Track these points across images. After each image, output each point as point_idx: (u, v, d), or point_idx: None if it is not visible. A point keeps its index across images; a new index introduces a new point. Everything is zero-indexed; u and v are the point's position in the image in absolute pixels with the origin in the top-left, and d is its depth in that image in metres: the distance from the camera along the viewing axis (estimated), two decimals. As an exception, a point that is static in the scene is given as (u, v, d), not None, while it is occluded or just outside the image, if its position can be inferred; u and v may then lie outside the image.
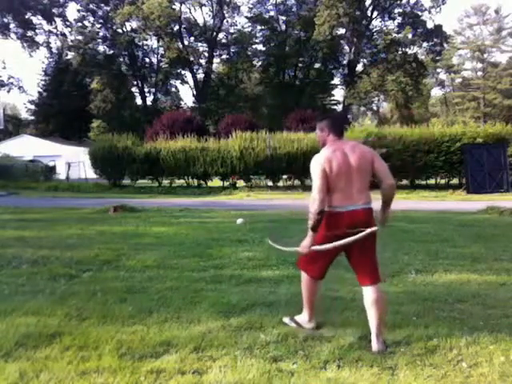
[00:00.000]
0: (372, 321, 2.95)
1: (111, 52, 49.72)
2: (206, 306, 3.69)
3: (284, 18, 49.84)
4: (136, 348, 2.90)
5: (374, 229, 2.90)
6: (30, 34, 44.96)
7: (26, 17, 43.90)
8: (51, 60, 51.15)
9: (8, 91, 46.12)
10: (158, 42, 49.11)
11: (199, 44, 50.85)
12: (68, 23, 46.98)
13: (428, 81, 60.45)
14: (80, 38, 47.55)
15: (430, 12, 44.58)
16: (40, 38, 46.71)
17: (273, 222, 9.05)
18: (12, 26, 44.07)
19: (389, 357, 2.80)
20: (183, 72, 51.84)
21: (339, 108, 51.45)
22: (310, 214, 2.91)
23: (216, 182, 22.34)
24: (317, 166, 2.96)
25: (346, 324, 3.28)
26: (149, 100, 52.53)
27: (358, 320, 3.33)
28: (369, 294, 2.98)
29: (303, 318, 3.28)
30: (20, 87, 46.56)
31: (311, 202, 2.91)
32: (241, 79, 51.37)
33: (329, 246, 2.94)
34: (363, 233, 2.86)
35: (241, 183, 21.77)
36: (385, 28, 47.04)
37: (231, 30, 50.59)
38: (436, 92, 68.99)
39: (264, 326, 3.26)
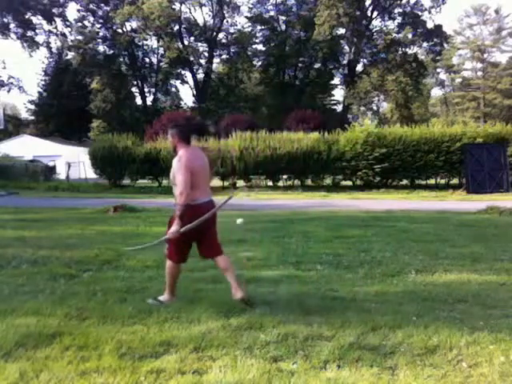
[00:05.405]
0: (231, 279, 3.74)
1: (111, 52, 49.64)
2: (206, 305, 3.69)
3: (284, 17, 49.81)
4: (136, 348, 2.89)
5: (214, 210, 3.73)
6: (30, 33, 44.83)
7: (26, 17, 43.79)
8: (51, 60, 51.23)
9: (8, 91, 46.05)
10: (158, 42, 49.04)
11: (199, 44, 50.82)
12: (68, 23, 46.89)
13: (428, 81, 60.44)
14: (80, 37, 47.44)
15: (430, 12, 44.63)
16: (40, 38, 46.68)
17: (273, 222, 9.04)
18: (12, 25, 43.98)
19: (389, 357, 2.80)
20: (183, 72, 51.85)
21: (339, 108, 51.48)
22: (179, 206, 3.56)
23: (216, 182, 22.31)
24: (183, 165, 3.57)
25: (346, 324, 3.27)
26: (149, 100, 52.57)
27: (358, 320, 3.33)
28: (220, 261, 3.85)
29: (165, 297, 3.85)
30: (20, 87, 46.41)
31: (179, 196, 3.56)
32: (241, 79, 51.31)
33: (191, 225, 3.59)
34: (210, 212, 3.67)
35: (241, 183, 21.75)
36: (385, 28, 47.03)
37: (231, 30, 50.57)
38: (436, 92, 69.02)
39: (264, 326, 3.26)
